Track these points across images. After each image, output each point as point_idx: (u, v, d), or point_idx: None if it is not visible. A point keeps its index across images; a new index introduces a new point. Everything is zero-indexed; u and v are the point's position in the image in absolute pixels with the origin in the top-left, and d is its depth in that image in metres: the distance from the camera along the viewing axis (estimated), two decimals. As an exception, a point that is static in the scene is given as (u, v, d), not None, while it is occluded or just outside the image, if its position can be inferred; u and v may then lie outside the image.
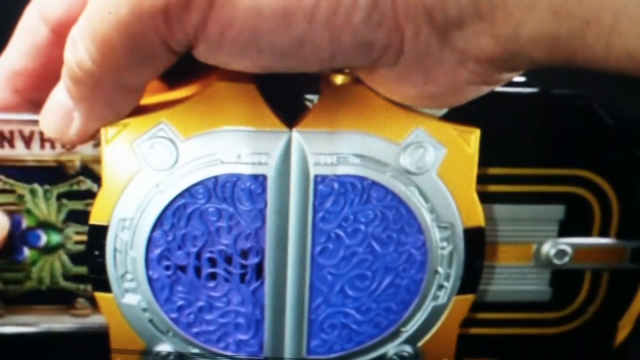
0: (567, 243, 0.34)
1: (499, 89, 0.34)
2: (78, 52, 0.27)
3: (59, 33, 0.31)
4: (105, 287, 0.32)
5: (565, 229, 0.34)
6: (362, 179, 0.31)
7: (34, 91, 0.33)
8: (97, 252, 0.32)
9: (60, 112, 0.29)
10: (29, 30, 0.32)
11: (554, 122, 0.33)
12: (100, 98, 0.28)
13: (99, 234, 0.31)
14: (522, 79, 0.34)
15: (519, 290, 0.35)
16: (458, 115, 0.32)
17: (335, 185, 0.31)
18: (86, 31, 0.26)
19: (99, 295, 0.32)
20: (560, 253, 0.34)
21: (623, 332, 0.36)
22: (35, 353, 0.35)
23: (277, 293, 0.32)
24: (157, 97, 0.32)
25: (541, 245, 0.34)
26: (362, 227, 0.31)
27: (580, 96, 0.34)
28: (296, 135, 0.30)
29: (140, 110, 0.31)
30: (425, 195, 0.31)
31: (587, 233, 0.34)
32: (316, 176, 0.31)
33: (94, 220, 0.31)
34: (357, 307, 0.33)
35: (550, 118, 0.33)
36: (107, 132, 0.31)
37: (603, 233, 0.34)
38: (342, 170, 0.31)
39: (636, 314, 0.35)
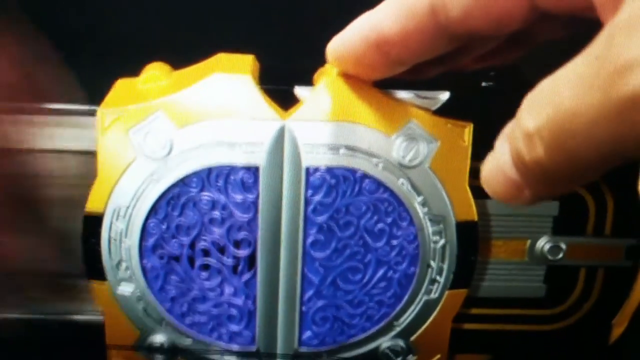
0: (561, 239, 0.34)
1: (494, 84, 0.34)
2: (534, 150, 0.23)
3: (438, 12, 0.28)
4: (101, 275, 0.32)
5: (560, 225, 0.34)
6: (353, 171, 0.31)
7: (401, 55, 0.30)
8: (92, 240, 0.32)
9: (506, 183, 0.26)
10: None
11: None
12: (556, 184, 0.25)
13: (94, 222, 0.32)
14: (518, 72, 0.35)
15: (514, 286, 0.35)
16: (452, 110, 0.32)
17: (327, 177, 0.31)
18: (547, 130, 0.22)
19: (94, 283, 0.33)
20: (555, 249, 0.34)
21: (617, 329, 0.35)
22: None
23: (269, 284, 0.32)
24: (153, 86, 0.33)
25: (535, 241, 0.34)
26: (354, 220, 0.32)
27: None
28: (289, 125, 0.31)
29: (136, 100, 0.31)
30: (418, 188, 0.31)
31: (582, 230, 0.34)
32: (308, 167, 0.31)
33: (90, 208, 0.32)
34: (349, 299, 0.33)
35: None
36: (104, 121, 0.31)
37: (598, 230, 0.34)
38: (333, 161, 0.31)
39: (631, 312, 0.35)
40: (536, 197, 0.26)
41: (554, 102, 0.22)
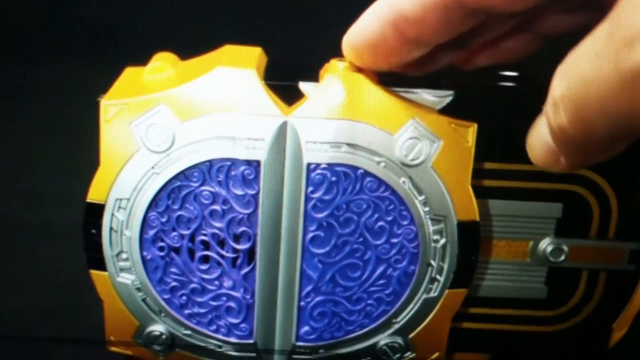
0: (564, 241, 0.34)
1: (498, 83, 0.34)
2: (559, 117, 0.24)
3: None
4: (101, 265, 0.33)
5: (563, 228, 0.34)
6: (354, 168, 0.31)
7: (419, 36, 0.29)
8: (93, 230, 0.32)
9: (545, 150, 0.27)
10: None
11: None
12: (585, 154, 0.26)
13: (95, 212, 0.32)
14: (524, 74, 0.34)
15: (515, 287, 0.35)
16: (457, 110, 0.32)
17: (328, 174, 0.31)
18: (567, 99, 0.24)
19: (94, 273, 0.33)
20: (557, 251, 0.34)
21: (618, 333, 0.35)
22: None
23: (268, 278, 0.32)
24: (158, 78, 0.32)
25: (538, 243, 0.34)
26: (355, 217, 0.32)
27: None
28: (291, 122, 0.30)
29: (140, 91, 0.31)
30: (419, 188, 0.31)
31: (585, 232, 0.34)
32: (309, 164, 0.31)
33: (92, 198, 0.32)
34: (347, 296, 0.33)
35: None
36: (107, 112, 0.31)
37: (601, 233, 0.34)
38: (335, 159, 0.31)
39: (632, 316, 0.35)
40: (571, 164, 0.27)
41: (572, 72, 0.23)
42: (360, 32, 0.30)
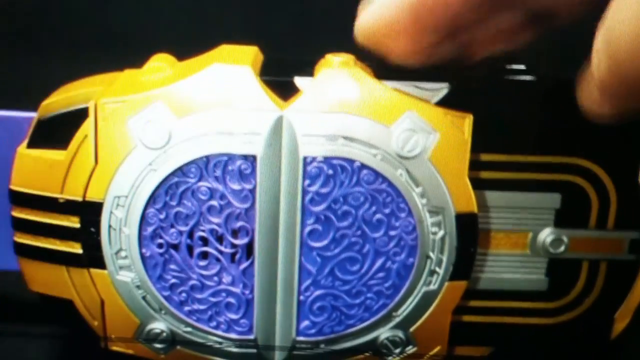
0: (563, 232, 0.34)
1: (495, 74, 0.34)
2: (600, 66, 0.26)
3: None
4: (100, 263, 0.33)
5: (562, 218, 0.34)
6: (351, 161, 0.31)
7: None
8: (92, 229, 0.32)
9: (590, 98, 0.29)
10: None
11: (551, 109, 0.33)
12: (624, 102, 0.28)
13: (94, 210, 0.32)
14: (520, 65, 0.34)
15: (515, 279, 0.35)
16: (453, 101, 0.32)
17: (324, 167, 0.31)
18: (603, 45, 0.26)
19: (94, 271, 0.33)
20: (557, 242, 0.34)
21: (620, 324, 0.35)
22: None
23: (267, 273, 0.32)
24: (155, 77, 0.33)
25: (537, 234, 0.34)
26: (352, 210, 0.32)
27: None
28: (287, 115, 0.31)
29: (137, 90, 0.32)
30: (416, 180, 0.31)
31: (585, 222, 0.34)
32: (305, 157, 0.31)
33: (90, 196, 0.32)
34: (347, 290, 0.33)
35: (547, 104, 0.33)
36: (103, 110, 0.31)
37: (601, 223, 0.34)
38: (331, 152, 0.31)
39: (634, 306, 0.35)
40: (615, 112, 0.28)
41: (605, 21, 0.25)
42: (378, 13, 0.30)
